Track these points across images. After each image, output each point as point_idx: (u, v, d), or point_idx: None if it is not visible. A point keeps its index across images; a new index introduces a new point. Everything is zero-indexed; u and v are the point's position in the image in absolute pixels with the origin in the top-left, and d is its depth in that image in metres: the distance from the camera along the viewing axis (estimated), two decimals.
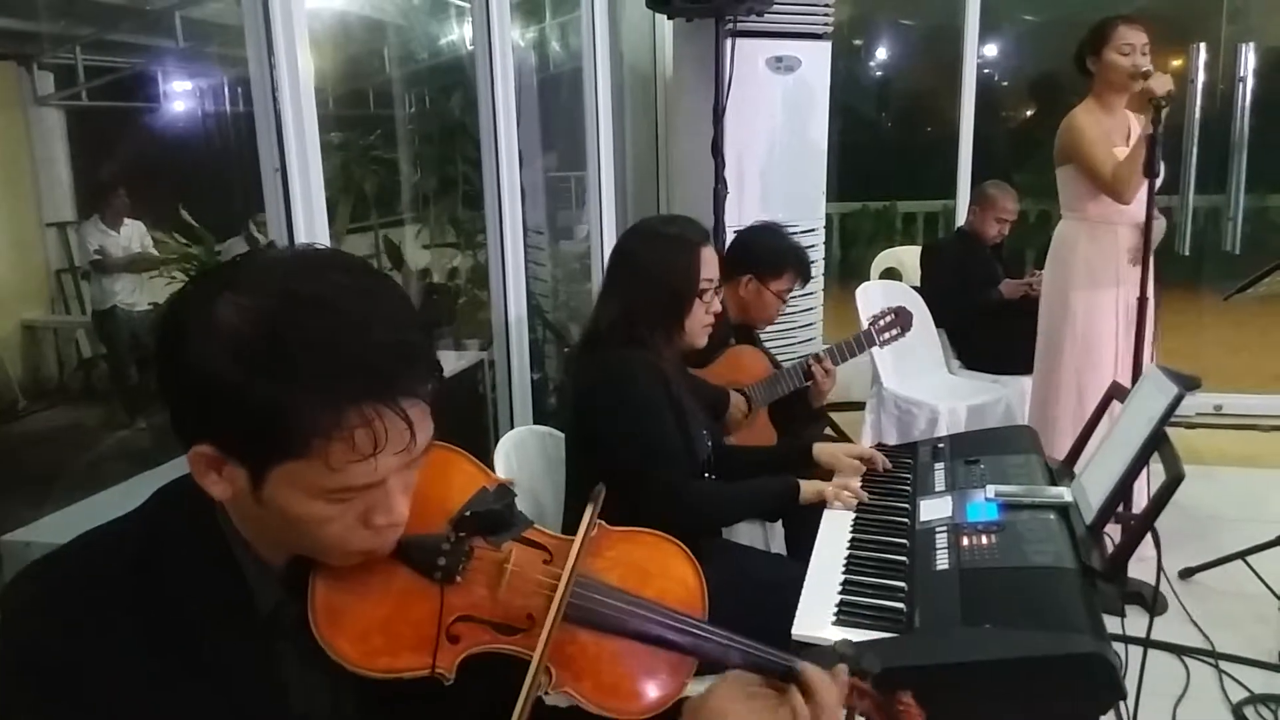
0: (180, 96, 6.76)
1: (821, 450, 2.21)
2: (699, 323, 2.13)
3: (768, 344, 3.57)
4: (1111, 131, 3.16)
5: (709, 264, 2.11)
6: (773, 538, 2.64)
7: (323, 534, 0.89)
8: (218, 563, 0.91)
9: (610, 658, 1.04)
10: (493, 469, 1.16)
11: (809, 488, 2.04)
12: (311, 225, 2.11)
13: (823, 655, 1.07)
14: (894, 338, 2.99)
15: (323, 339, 0.82)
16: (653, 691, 1.04)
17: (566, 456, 2.19)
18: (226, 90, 6.44)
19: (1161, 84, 2.86)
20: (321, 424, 0.82)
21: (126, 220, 6.14)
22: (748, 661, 1.06)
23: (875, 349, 3.10)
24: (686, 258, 2.09)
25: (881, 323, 2.97)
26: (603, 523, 1.13)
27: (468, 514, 0.97)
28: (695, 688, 1.11)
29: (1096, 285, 3.20)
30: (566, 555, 1.04)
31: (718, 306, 2.17)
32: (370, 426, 0.83)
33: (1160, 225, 3.16)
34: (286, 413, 0.81)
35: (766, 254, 2.93)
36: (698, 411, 2.24)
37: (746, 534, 2.53)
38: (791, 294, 3.04)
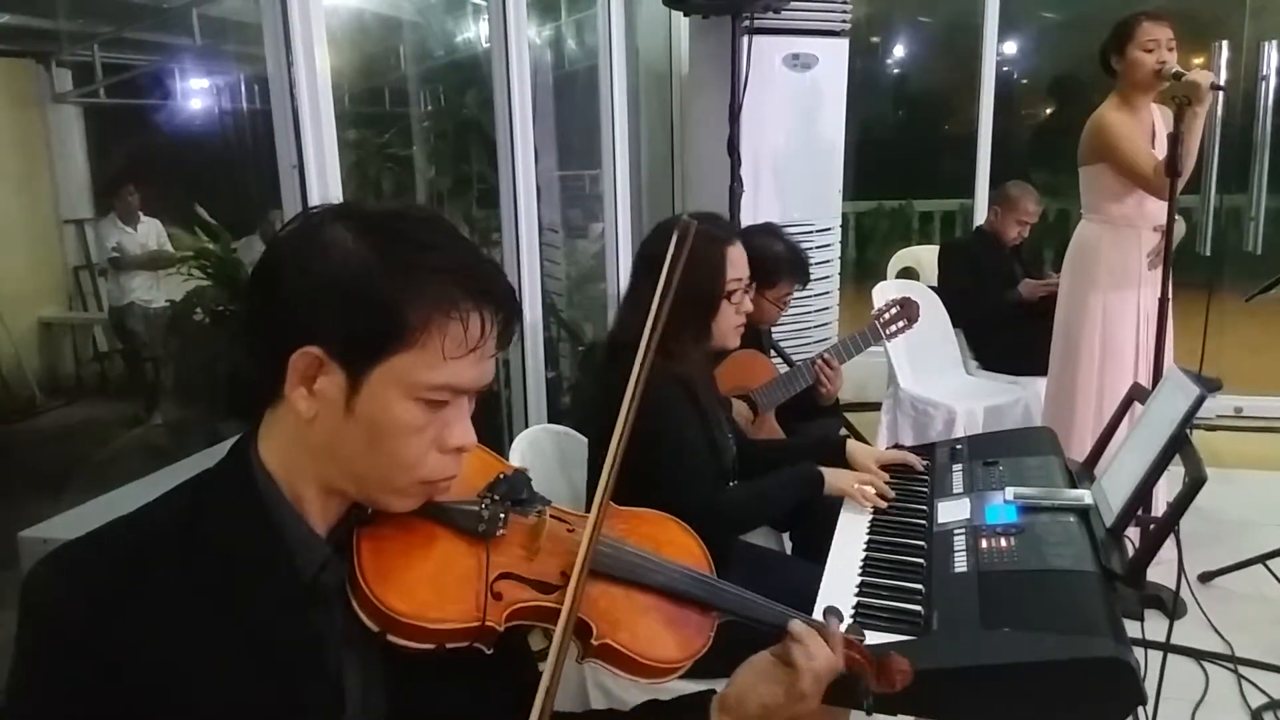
0: (197, 94, 6.78)
1: (855, 450, 2.17)
2: (729, 324, 2.08)
3: (782, 343, 3.56)
4: (1136, 130, 3.12)
5: (737, 263, 2.06)
6: (782, 543, 2.62)
7: (401, 449, 0.93)
8: (260, 530, 0.93)
9: (643, 609, 1.10)
10: None
11: (833, 479, 2.01)
12: None
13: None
14: (901, 330, 2.94)
15: (435, 242, 0.92)
16: (684, 643, 1.10)
17: (589, 460, 2.16)
18: (243, 88, 6.47)
19: (1204, 78, 2.80)
20: (442, 306, 0.90)
21: (144, 217, 6.19)
22: (758, 615, 1.14)
23: (886, 344, 3.05)
24: (712, 257, 2.02)
25: (886, 315, 2.93)
26: (612, 503, 1.19)
27: (499, 477, 1.06)
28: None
29: (1118, 288, 3.17)
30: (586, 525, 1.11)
31: (749, 306, 2.12)
32: (480, 314, 0.92)
33: (1179, 227, 3.12)
34: (409, 297, 0.89)
35: (759, 262, 2.86)
36: (722, 415, 2.22)
37: (758, 537, 2.52)
38: (793, 295, 2.97)
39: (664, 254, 2.02)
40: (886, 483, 2.04)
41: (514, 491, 1.06)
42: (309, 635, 0.92)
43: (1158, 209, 3.07)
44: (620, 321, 2.14)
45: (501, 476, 1.07)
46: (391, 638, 0.92)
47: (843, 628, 1.14)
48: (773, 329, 3.21)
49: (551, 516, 1.10)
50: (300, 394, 0.90)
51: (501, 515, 1.03)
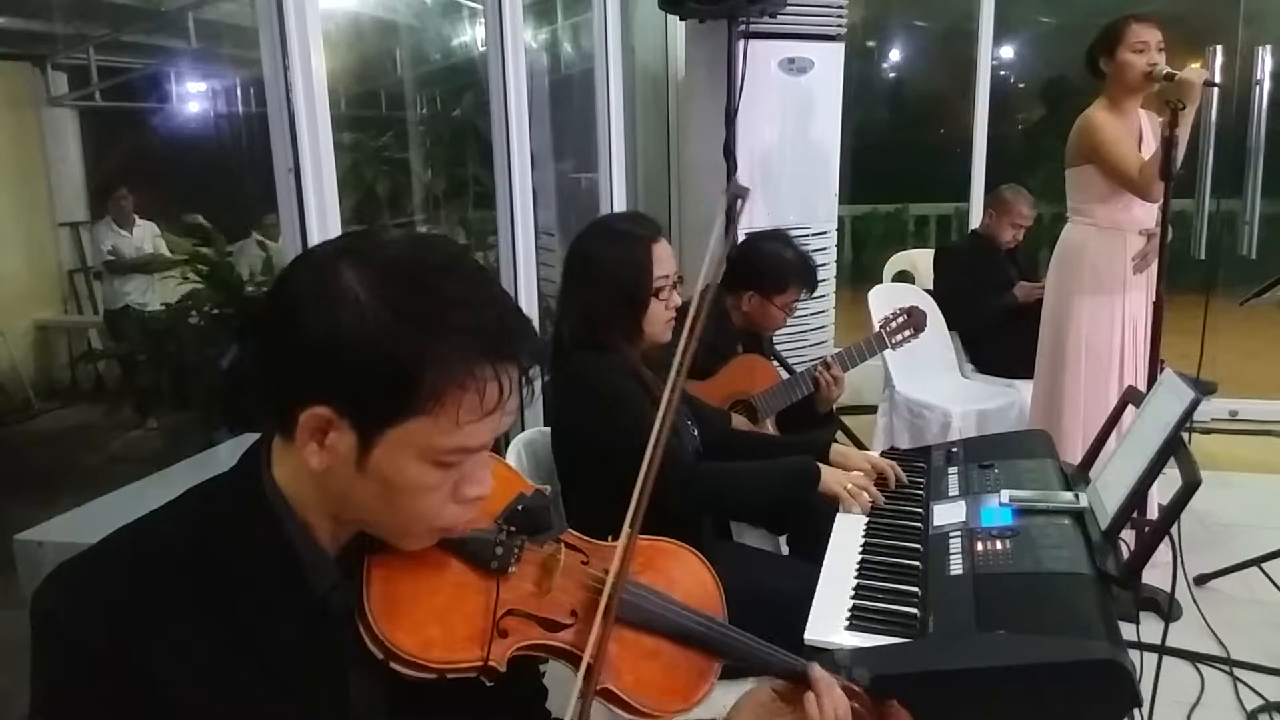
0: (193, 97, 6.78)
1: (838, 451, 2.16)
2: (659, 320, 2.07)
3: (777, 345, 3.56)
4: (1124, 133, 3.12)
5: (662, 260, 2.04)
6: (779, 546, 2.62)
7: (417, 505, 0.91)
8: (272, 545, 0.91)
9: (648, 654, 1.08)
10: None
11: (829, 477, 1.99)
12: (325, 226, 2.11)
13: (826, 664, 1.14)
14: (907, 339, 2.93)
15: (454, 296, 0.86)
16: (687, 690, 1.09)
17: (555, 463, 2.16)
18: (239, 91, 6.47)
19: (1197, 75, 2.80)
20: (455, 375, 0.85)
21: (139, 220, 6.18)
22: (768, 663, 1.11)
23: (888, 352, 3.04)
24: (637, 256, 2.02)
25: (893, 324, 2.91)
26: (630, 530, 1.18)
27: (518, 508, 1.02)
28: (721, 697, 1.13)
29: (1102, 291, 3.16)
30: (602, 557, 1.09)
31: (677, 301, 2.09)
32: (499, 380, 0.87)
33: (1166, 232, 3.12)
34: (424, 364, 0.84)
35: (768, 269, 2.85)
36: (681, 407, 2.20)
37: (755, 540, 2.52)
38: (799, 303, 2.98)
39: (596, 255, 2.03)
40: (879, 486, 2.03)
41: (531, 522, 1.02)
42: (319, 653, 0.92)
43: (1144, 212, 3.07)
44: (557, 322, 2.14)
45: (521, 505, 1.03)
46: (394, 665, 0.91)
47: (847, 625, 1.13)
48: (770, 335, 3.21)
49: (567, 545, 1.08)
50: (311, 449, 0.88)
51: (516, 547, 1.01)
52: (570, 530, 1.11)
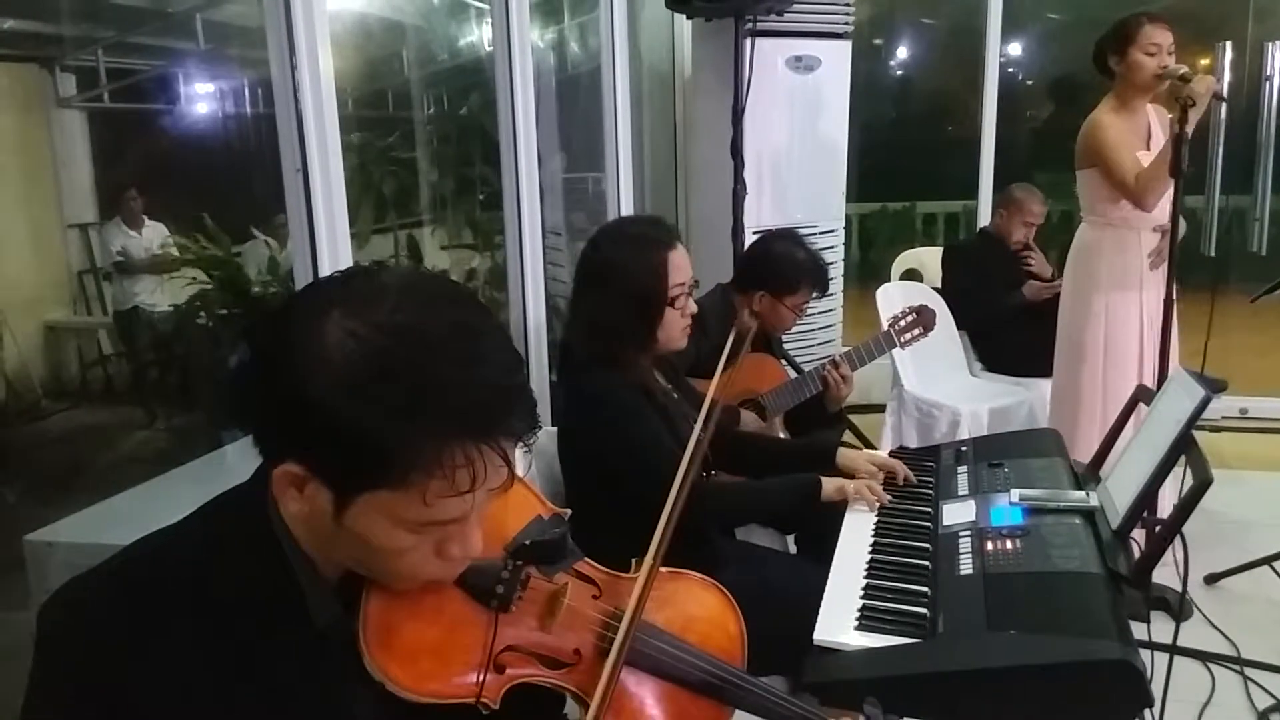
0: (201, 98, 6.79)
1: (844, 455, 2.16)
2: (675, 328, 2.03)
3: (785, 344, 3.55)
4: (1130, 133, 3.11)
5: (679, 267, 2.00)
6: (786, 546, 2.61)
7: (396, 562, 0.90)
8: (275, 574, 0.91)
9: (652, 701, 1.06)
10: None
11: (830, 485, 1.99)
12: (333, 226, 2.11)
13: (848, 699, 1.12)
14: (915, 338, 2.91)
15: (433, 378, 0.83)
16: None
17: (561, 471, 2.14)
18: (247, 92, 6.48)
19: (1206, 85, 2.78)
20: (424, 460, 0.83)
21: (148, 221, 6.20)
22: (785, 718, 1.09)
23: (896, 350, 3.04)
24: (654, 262, 1.98)
25: (902, 323, 2.90)
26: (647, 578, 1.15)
27: (527, 543, 0.98)
28: None
29: (1120, 289, 3.16)
30: (615, 592, 1.07)
31: (693, 308, 2.06)
32: (471, 466, 0.84)
33: (1180, 227, 3.11)
34: (391, 446, 0.82)
35: (780, 269, 2.82)
36: (689, 411, 2.17)
37: (763, 539, 2.51)
38: (809, 304, 2.97)
39: (611, 261, 2.01)
40: (888, 486, 2.02)
41: (541, 555, 1.00)
42: (319, 679, 0.92)
43: (1157, 210, 3.06)
44: (566, 331, 2.12)
45: (530, 540, 1.00)
46: (390, 690, 0.91)
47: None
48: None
49: (578, 576, 1.06)
50: (291, 495, 0.88)
51: (520, 584, 0.98)
52: (585, 559, 1.08)
